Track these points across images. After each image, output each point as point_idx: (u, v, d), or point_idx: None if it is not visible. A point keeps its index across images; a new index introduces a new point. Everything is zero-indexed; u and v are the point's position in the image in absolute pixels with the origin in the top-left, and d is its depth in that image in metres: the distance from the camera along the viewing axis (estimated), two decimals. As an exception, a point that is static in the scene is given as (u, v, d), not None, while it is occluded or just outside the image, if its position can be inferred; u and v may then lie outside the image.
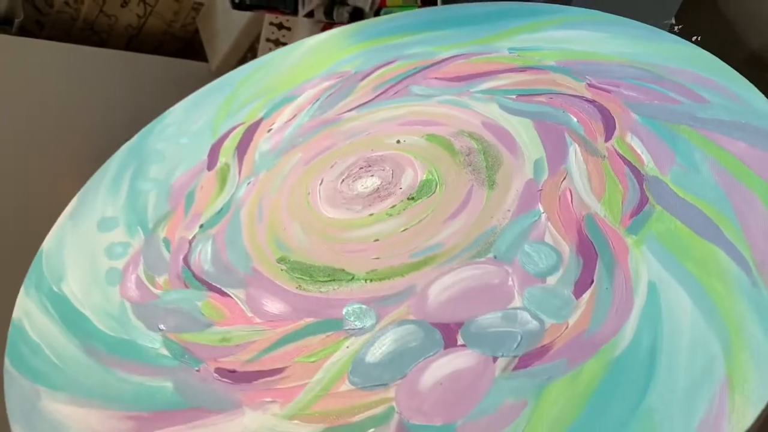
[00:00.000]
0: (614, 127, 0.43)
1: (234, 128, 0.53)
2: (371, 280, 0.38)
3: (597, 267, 0.35)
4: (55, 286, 0.44)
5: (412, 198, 0.42)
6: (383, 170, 0.45)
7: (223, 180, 0.49)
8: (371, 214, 0.42)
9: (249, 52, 0.87)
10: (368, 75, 0.54)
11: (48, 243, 0.48)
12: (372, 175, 0.45)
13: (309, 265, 0.40)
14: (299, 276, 0.40)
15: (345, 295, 0.38)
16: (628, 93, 0.45)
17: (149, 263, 0.44)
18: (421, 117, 0.49)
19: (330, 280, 0.39)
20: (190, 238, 0.45)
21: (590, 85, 0.46)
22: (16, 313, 0.43)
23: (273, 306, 0.38)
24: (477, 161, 0.43)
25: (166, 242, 0.45)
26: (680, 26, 0.51)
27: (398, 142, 0.47)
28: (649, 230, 0.36)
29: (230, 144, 0.52)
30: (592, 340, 0.32)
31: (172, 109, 0.58)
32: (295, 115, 0.53)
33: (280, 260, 0.41)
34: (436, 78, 0.52)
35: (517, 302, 0.34)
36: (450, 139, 0.46)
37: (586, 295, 0.34)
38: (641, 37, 0.49)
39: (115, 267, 0.44)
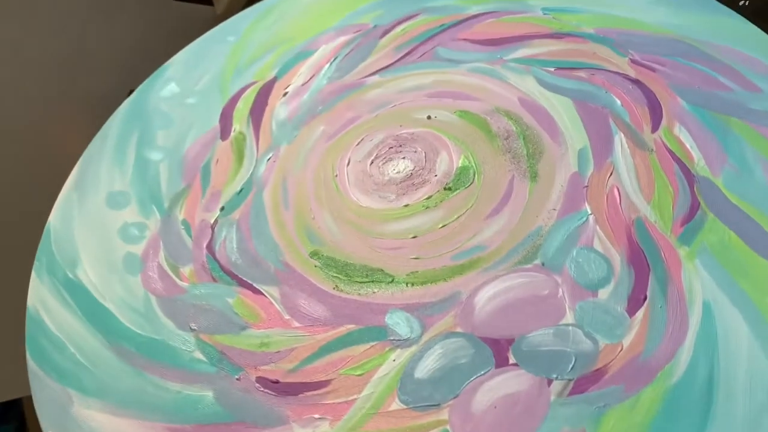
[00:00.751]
0: (661, 115, 0.41)
1: (245, 88, 0.50)
2: (412, 284, 0.37)
3: (650, 281, 0.34)
4: (69, 272, 0.42)
5: (449, 188, 0.40)
6: (415, 152, 0.43)
7: (239, 153, 0.46)
8: (406, 205, 0.40)
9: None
10: (389, 31, 0.50)
11: (54, 218, 0.45)
12: (404, 158, 0.43)
13: (345, 263, 0.38)
14: (335, 275, 0.38)
15: (386, 299, 0.37)
16: (674, 73, 0.42)
17: (170, 250, 0.41)
18: (451, 87, 0.46)
19: (369, 281, 0.37)
20: (212, 222, 0.42)
21: (633, 61, 0.44)
22: (31, 300, 0.41)
23: (311, 308, 0.37)
24: (517, 147, 0.41)
25: (186, 225, 0.43)
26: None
27: (429, 117, 0.44)
28: (702, 241, 0.35)
29: (243, 107, 0.48)
30: (647, 364, 0.32)
31: (171, 60, 0.53)
32: (312, 76, 0.49)
33: (313, 255, 0.39)
34: (465, 39, 0.48)
35: (568, 317, 0.34)
36: (486, 118, 0.43)
37: (640, 314, 0.33)
38: (685, 5, 0.46)
39: (132, 252, 0.42)
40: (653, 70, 0.43)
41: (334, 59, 0.50)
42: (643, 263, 0.35)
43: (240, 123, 0.47)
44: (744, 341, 0.32)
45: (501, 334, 0.34)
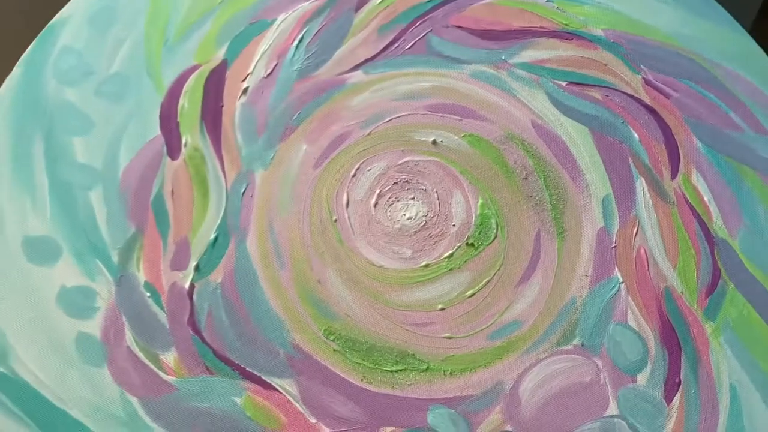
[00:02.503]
0: (678, 158, 0.39)
1: (186, 75, 0.38)
2: (450, 372, 0.34)
3: (682, 362, 0.35)
4: (2, 366, 0.32)
5: (472, 244, 0.36)
6: (425, 191, 0.37)
7: (200, 180, 0.36)
8: (426, 265, 0.36)
9: None
10: (365, 1, 0.41)
11: (-52, 279, 0.33)
12: (413, 198, 0.37)
13: (369, 346, 0.34)
14: (360, 362, 0.34)
15: (424, 392, 0.34)
16: (687, 102, 0.40)
17: (139, 329, 0.33)
18: (453, 99, 0.39)
19: (400, 370, 0.34)
20: (187, 286, 0.34)
21: (647, 81, 0.41)
22: (-48, 410, 0.32)
23: (340, 408, 0.33)
24: (538, 191, 0.38)
25: (152, 291, 0.34)
26: None
27: (434, 142, 0.38)
28: (725, 316, 0.36)
29: (190, 108, 0.38)
30: (687, 457, 0.34)
31: (65, 14, 0.39)
32: (275, 65, 0.39)
33: (328, 334, 0.34)
34: (461, 27, 0.41)
35: (612, 408, 0.34)
36: (499, 148, 0.38)
37: (676, 401, 0.34)
38: (695, 10, 0.43)
39: (86, 332, 0.33)
40: (667, 95, 0.40)
41: (300, 39, 0.40)
42: (675, 342, 0.35)
43: (191, 133, 0.37)
44: (765, 424, 0.34)
45: (551, 430, 0.33)
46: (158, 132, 0.37)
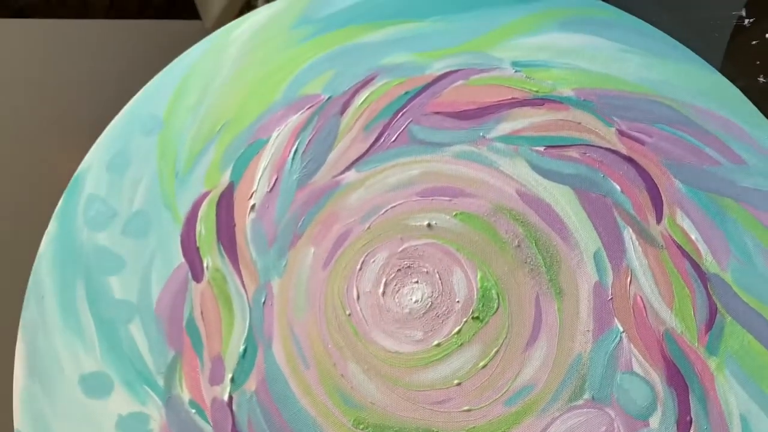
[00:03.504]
0: (661, 202, 0.41)
1: (198, 203, 0.42)
2: (474, 442, 0.37)
3: (691, 401, 0.37)
4: (76, 495, 0.37)
5: (477, 317, 0.39)
6: (427, 272, 0.40)
7: (225, 298, 0.40)
8: (438, 344, 0.39)
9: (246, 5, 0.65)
10: (349, 104, 0.45)
11: (22, 423, 0.38)
12: (417, 281, 0.40)
13: (397, 430, 0.37)
14: (390, 445, 0.37)
15: (452, 465, 0.37)
16: (662, 145, 0.43)
17: (191, 444, 0.37)
18: (441, 182, 0.42)
19: (428, 447, 0.37)
20: (226, 398, 0.38)
21: (620, 132, 0.43)
22: None
23: (378, 492, 0.36)
24: (531, 257, 0.40)
25: (197, 407, 0.38)
26: (751, 20, 0.47)
27: (429, 225, 0.41)
28: (727, 349, 0.38)
29: (206, 232, 0.42)
30: (708, 492, 0.35)
31: (84, 166, 0.44)
32: (276, 179, 0.43)
33: (357, 424, 0.38)
34: (438, 113, 0.44)
35: (630, 455, 0.36)
36: (489, 221, 0.41)
37: (690, 439, 0.36)
38: (657, 52, 0.45)
39: (145, 455, 0.37)
40: (642, 143, 0.43)
41: (296, 151, 0.43)
42: (682, 383, 0.38)
43: (211, 256, 0.41)
44: (780, 451, 0.36)
45: (574, 485, 0.36)
46: (182, 259, 0.41)
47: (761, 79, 0.45)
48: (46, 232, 0.42)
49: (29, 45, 0.55)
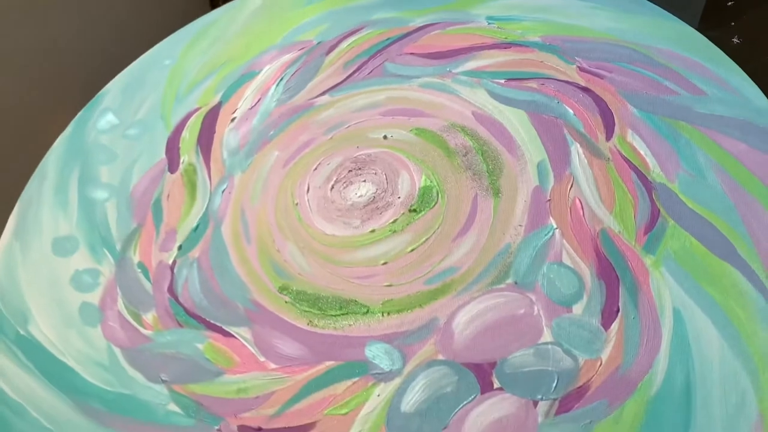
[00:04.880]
0: (613, 123, 0.42)
1: (189, 116, 0.48)
2: (388, 313, 0.36)
3: (620, 292, 0.35)
4: (21, 328, 0.39)
5: (414, 210, 0.40)
6: (375, 174, 0.42)
7: (191, 186, 0.44)
8: (372, 231, 0.40)
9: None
10: (335, 47, 0.50)
11: (-4, 271, 0.42)
12: (364, 181, 0.42)
13: (316, 296, 0.38)
14: (307, 309, 0.37)
15: (363, 331, 0.36)
16: (621, 79, 0.43)
17: (129, 296, 0.40)
18: (403, 105, 0.45)
19: (343, 314, 0.37)
20: (170, 262, 0.41)
21: (581, 69, 0.44)
22: (-19, 364, 0.38)
23: (286, 348, 0.36)
24: (476, 164, 0.41)
25: (143, 268, 0.41)
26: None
27: (385, 137, 0.44)
28: (666, 249, 0.36)
29: (189, 137, 0.46)
30: (627, 377, 0.33)
31: (107, 88, 0.51)
32: (259, 100, 0.48)
33: (282, 290, 0.38)
34: (412, 53, 0.48)
35: (546, 336, 0.34)
36: (442, 135, 0.43)
37: (615, 326, 0.34)
38: (625, 8, 0.47)
39: (88, 302, 0.40)
40: (601, 77, 0.44)
41: (281, 80, 0.48)
42: (612, 275, 0.36)
43: (188, 153, 0.46)
44: (715, 344, 0.33)
45: (482, 358, 0.34)
46: (163, 156, 0.46)
47: (735, 40, 0.46)
48: (63, 132, 0.49)
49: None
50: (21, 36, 0.59)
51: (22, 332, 0.39)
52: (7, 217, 0.45)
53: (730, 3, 0.46)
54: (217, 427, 0.34)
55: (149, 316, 0.39)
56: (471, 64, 0.46)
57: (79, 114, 0.50)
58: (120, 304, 0.39)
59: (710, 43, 0.44)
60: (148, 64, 0.52)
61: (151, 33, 0.55)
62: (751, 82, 0.41)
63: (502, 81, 0.45)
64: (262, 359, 0.36)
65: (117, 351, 0.38)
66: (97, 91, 0.51)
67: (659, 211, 0.37)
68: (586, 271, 0.36)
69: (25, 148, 0.53)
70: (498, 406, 0.33)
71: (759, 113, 0.40)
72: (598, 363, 0.33)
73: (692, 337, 0.33)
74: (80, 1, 0.63)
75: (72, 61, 0.59)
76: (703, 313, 0.34)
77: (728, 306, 0.34)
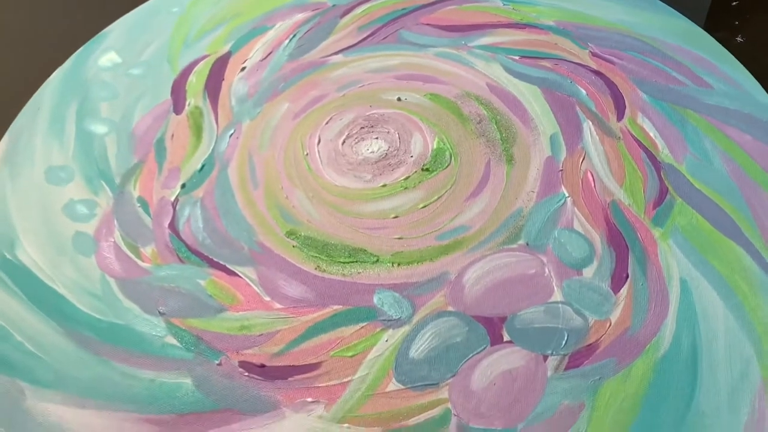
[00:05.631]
0: (624, 105, 0.43)
1: (197, 61, 0.47)
2: (398, 264, 0.36)
3: (630, 260, 0.36)
4: (7, 253, 0.37)
5: (427, 169, 0.40)
6: (388, 132, 0.42)
7: (197, 128, 0.43)
8: (384, 185, 0.40)
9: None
10: (350, 11, 0.49)
11: (-19, 195, 0.40)
12: (377, 138, 0.42)
13: (325, 243, 0.37)
14: (316, 255, 0.37)
15: (372, 279, 0.36)
16: (632, 67, 0.45)
17: (127, 229, 0.38)
18: (418, 70, 0.45)
19: (352, 261, 0.36)
20: (172, 199, 0.39)
21: (593, 54, 0.46)
22: (-38, 285, 0.36)
23: (293, 289, 0.35)
24: (490, 131, 0.42)
25: (143, 203, 0.39)
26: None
27: (399, 99, 0.44)
28: (674, 223, 0.37)
29: (197, 81, 0.45)
30: (635, 339, 0.33)
31: (109, 28, 0.49)
32: (270, 53, 0.47)
33: (290, 235, 0.38)
34: (428, 24, 0.48)
35: (557, 295, 0.34)
36: (456, 102, 0.43)
37: (624, 291, 0.35)
38: (637, 5, 0.49)
39: (82, 231, 0.38)
40: (612, 63, 0.45)
41: (293, 36, 0.48)
42: (622, 244, 0.36)
43: (195, 97, 0.44)
44: (720, 314, 0.34)
45: (492, 312, 0.34)
46: (168, 97, 0.45)
47: (739, 39, 0.48)
48: (60, 66, 0.47)
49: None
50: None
51: (8, 256, 0.37)
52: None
53: (734, 3, 0.48)
54: (217, 362, 0.33)
55: (148, 250, 0.37)
56: (486, 40, 0.47)
57: (79, 50, 0.48)
58: (117, 236, 0.38)
59: (717, 42, 0.46)
60: (153, 10, 0.50)
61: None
62: (754, 80, 0.43)
63: (517, 57, 0.46)
64: (267, 299, 0.35)
65: (111, 281, 0.36)
66: (95, 34, 0.50)
67: (667, 188, 0.38)
68: (597, 238, 0.37)
69: (20, 80, 0.50)
70: (508, 358, 0.33)
71: (763, 109, 0.42)
72: (608, 324, 0.34)
73: (699, 306, 0.34)
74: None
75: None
76: (709, 284, 0.35)
77: (733, 279, 0.35)
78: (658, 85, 0.43)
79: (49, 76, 0.47)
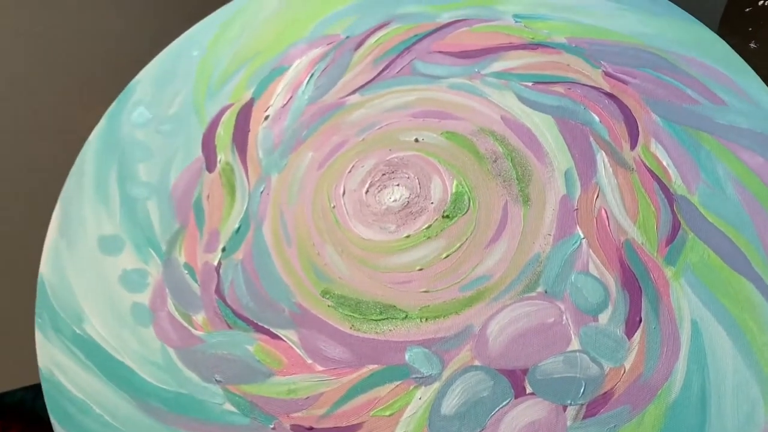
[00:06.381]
0: (637, 132, 0.43)
1: (222, 111, 0.49)
2: (426, 319, 0.39)
3: (643, 303, 0.38)
4: (76, 327, 0.42)
5: (447, 216, 0.42)
6: (408, 178, 0.44)
7: (230, 187, 0.46)
8: (408, 236, 0.42)
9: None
10: (363, 42, 0.50)
11: (46, 268, 0.44)
12: (398, 184, 0.44)
13: (357, 301, 0.40)
14: (350, 313, 0.40)
15: (402, 336, 0.39)
16: (645, 85, 0.45)
17: (178, 297, 0.42)
18: (434, 106, 0.47)
19: (383, 319, 0.40)
20: (216, 264, 0.43)
21: (606, 74, 0.46)
22: (42, 361, 0.41)
23: (332, 351, 0.39)
24: (506, 170, 0.43)
25: (189, 269, 0.43)
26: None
27: (416, 140, 0.46)
28: (686, 261, 0.39)
29: (224, 134, 0.48)
30: (648, 384, 0.36)
31: (137, 79, 0.52)
32: (290, 97, 0.49)
33: (324, 294, 0.41)
34: (440, 52, 0.49)
35: (574, 344, 0.37)
36: (472, 139, 0.45)
37: (637, 336, 0.37)
38: (652, 11, 0.48)
39: (139, 302, 0.42)
40: (626, 83, 0.45)
41: (311, 76, 0.49)
42: (635, 286, 0.39)
43: (224, 152, 0.47)
44: (729, 356, 0.36)
45: (516, 364, 0.37)
46: (200, 154, 0.47)
47: (753, 45, 0.47)
48: (97, 126, 0.50)
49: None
50: (44, 29, 0.58)
51: (78, 331, 0.42)
52: (48, 215, 0.47)
53: (748, 9, 0.47)
54: (271, 426, 0.37)
55: (199, 318, 0.41)
56: (498, 65, 0.47)
57: (111, 107, 0.51)
58: (170, 305, 0.42)
59: (732, 50, 0.45)
60: (175, 55, 0.52)
61: (169, 25, 0.56)
62: (770, 92, 0.43)
63: (530, 84, 0.46)
64: (309, 361, 0.39)
65: (171, 351, 0.40)
66: (124, 84, 0.52)
67: (680, 223, 0.40)
68: (611, 282, 0.39)
69: (60, 143, 0.54)
70: (531, 410, 0.36)
71: (777, 126, 0.42)
72: (622, 371, 0.36)
73: (708, 348, 0.36)
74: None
75: (95, 53, 0.59)
76: (719, 324, 0.37)
77: (742, 319, 0.37)
78: (671, 105, 0.44)
79: (89, 130, 0.50)
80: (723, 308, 0.37)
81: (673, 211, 0.40)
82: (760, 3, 0.47)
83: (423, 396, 0.37)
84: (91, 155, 0.48)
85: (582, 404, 0.36)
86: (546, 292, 0.39)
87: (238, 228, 0.44)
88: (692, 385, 0.35)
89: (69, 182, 0.48)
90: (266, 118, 0.48)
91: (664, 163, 0.42)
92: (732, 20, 0.48)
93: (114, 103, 0.51)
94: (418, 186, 0.44)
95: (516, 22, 0.49)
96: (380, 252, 0.42)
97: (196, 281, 0.42)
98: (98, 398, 0.39)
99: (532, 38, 0.48)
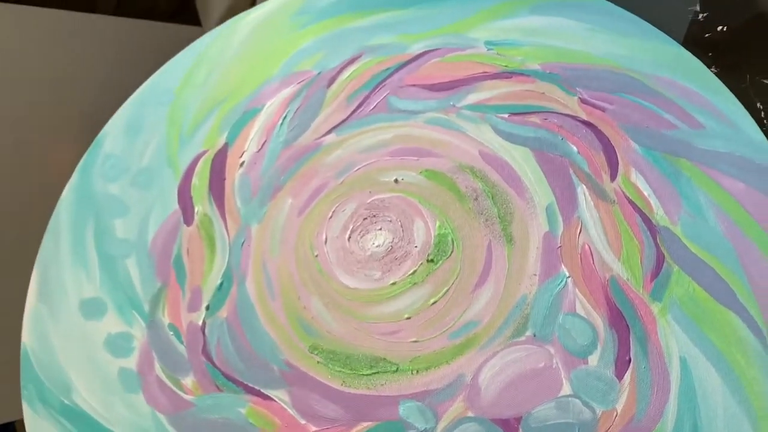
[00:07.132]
0: (617, 162, 0.43)
1: (197, 160, 0.48)
2: (417, 371, 0.39)
3: (631, 342, 0.38)
4: (65, 398, 0.41)
5: (432, 260, 0.42)
6: (390, 221, 0.44)
7: (210, 239, 0.45)
8: (393, 283, 0.42)
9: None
10: (335, 78, 0.49)
11: (29, 339, 0.44)
12: (380, 229, 0.44)
13: (347, 355, 0.40)
14: (340, 369, 0.40)
15: (394, 390, 0.39)
16: (622, 111, 0.45)
17: (165, 361, 0.42)
18: (411, 143, 0.46)
19: (374, 373, 0.39)
20: (200, 324, 0.42)
21: (582, 101, 0.45)
22: (31, 436, 0.41)
23: (325, 410, 0.39)
24: (487, 208, 0.43)
25: (174, 330, 0.42)
26: (705, 14, 0.50)
27: (396, 181, 0.45)
28: (671, 295, 0.39)
29: (200, 184, 0.47)
30: (641, 427, 0.36)
31: (105, 131, 0.50)
32: (265, 141, 0.48)
33: (313, 350, 0.41)
34: (414, 85, 0.48)
35: (566, 388, 0.37)
36: (452, 177, 0.44)
37: (627, 376, 0.37)
38: (623, 31, 0.48)
39: (126, 368, 0.42)
40: (603, 109, 0.45)
41: (284, 118, 0.49)
42: (623, 324, 0.39)
43: (201, 203, 0.46)
44: (719, 393, 0.36)
45: (509, 412, 0.37)
46: (176, 206, 0.46)
47: (713, 70, 0.47)
48: (69, 182, 0.49)
49: (31, 33, 0.61)
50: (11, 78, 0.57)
51: (66, 402, 0.41)
52: (24, 273, 0.46)
53: (707, 35, 0.47)
54: (269, 491, 0.37)
55: (188, 381, 0.41)
56: (473, 97, 0.47)
57: (83, 160, 0.49)
58: (158, 369, 0.41)
59: (706, 68, 0.45)
60: (144, 103, 0.51)
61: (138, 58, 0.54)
62: (746, 112, 0.43)
63: (506, 115, 0.46)
64: (303, 422, 0.39)
65: (162, 417, 0.40)
66: (93, 128, 0.51)
67: (664, 256, 0.40)
68: (599, 321, 0.39)
69: (31, 188, 0.53)
70: (526, 460, 0.36)
71: (755, 148, 0.42)
72: (614, 414, 0.37)
73: (698, 385, 0.37)
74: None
75: (64, 97, 0.58)
76: (707, 360, 0.37)
77: (730, 353, 0.37)
78: (649, 131, 0.44)
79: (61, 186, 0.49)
80: (710, 343, 0.37)
81: (656, 243, 0.40)
82: (719, 28, 0.47)
83: (419, 451, 0.37)
84: (65, 213, 0.47)
85: (577, 451, 0.36)
86: (535, 335, 0.39)
87: (221, 284, 0.43)
88: (683, 425, 0.36)
89: (45, 243, 0.47)
90: (242, 164, 0.47)
91: (645, 194, 0.42)
92: (692, 46, 0.48)
93: (84, 156, 0.50)
94: (401, 229, 0.43)
95: (488, 49, 0.49)
96: (367, 301, 0.42)
97: (182, 342, 0.42)
98: (92, 472, 0.39)
99: (506, 66, 0.48)
